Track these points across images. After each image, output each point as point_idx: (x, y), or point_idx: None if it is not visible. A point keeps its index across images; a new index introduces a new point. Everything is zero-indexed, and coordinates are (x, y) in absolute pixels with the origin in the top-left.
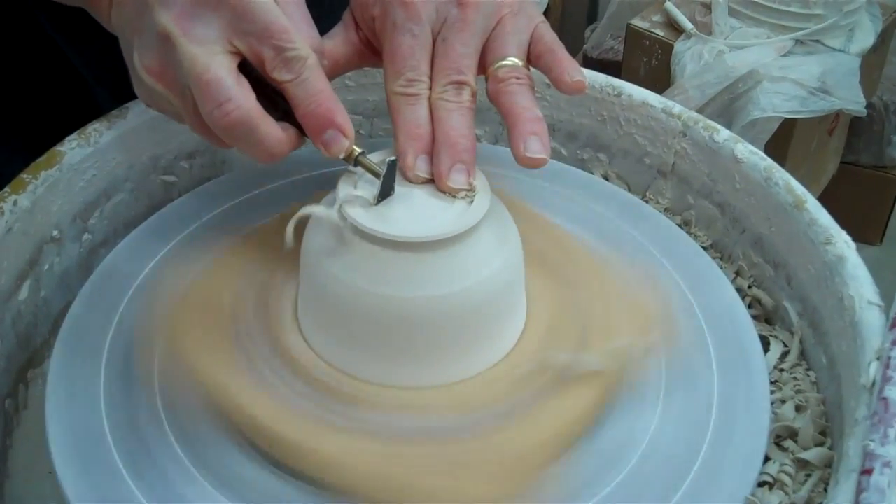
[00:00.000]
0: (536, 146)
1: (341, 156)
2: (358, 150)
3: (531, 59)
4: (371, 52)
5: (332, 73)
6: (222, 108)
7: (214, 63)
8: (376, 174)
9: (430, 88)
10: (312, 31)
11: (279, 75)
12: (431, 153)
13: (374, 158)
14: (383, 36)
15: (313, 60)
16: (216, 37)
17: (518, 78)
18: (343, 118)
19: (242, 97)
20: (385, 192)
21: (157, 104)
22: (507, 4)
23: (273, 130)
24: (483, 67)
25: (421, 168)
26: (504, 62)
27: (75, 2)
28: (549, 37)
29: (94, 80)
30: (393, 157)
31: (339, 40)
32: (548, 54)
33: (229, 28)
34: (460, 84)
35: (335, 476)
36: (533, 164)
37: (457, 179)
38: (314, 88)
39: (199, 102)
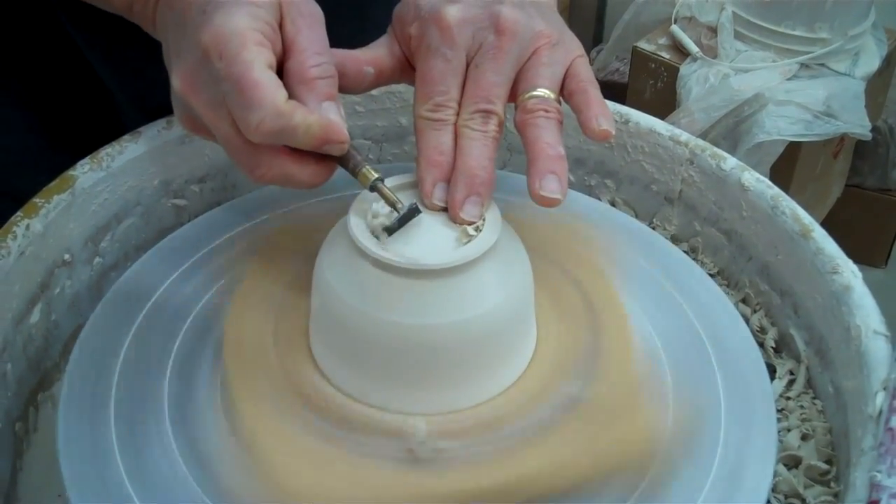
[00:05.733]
0: (553, 185)
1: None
2: (374, 174)
3: (564, 94)
4: (410, 69)
5: (377, 83)
6: (255, 173)
7: (230, 128)
8: (392, 204)
9: (458, 114)
10: (324, 55)
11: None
12: (450, 180)
13: (392, 183)
14: (417, 56)
15: (284, 119)
16: (220, 100)
17: (546, 111)
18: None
19: (269, 156)
20: (394, 229)
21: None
22: (544, 35)
23: (308, 170)
24: (514, 96)
25: (438, 196)
26: (535, 93)
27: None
28: (585, 74)
29: (125, 97)
30: (414, 202)
31: (384, 51)
32: (580, 94)
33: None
34: (488, 113)
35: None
36: (546, 203)
37: (470, 212)
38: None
39: (235, 163)
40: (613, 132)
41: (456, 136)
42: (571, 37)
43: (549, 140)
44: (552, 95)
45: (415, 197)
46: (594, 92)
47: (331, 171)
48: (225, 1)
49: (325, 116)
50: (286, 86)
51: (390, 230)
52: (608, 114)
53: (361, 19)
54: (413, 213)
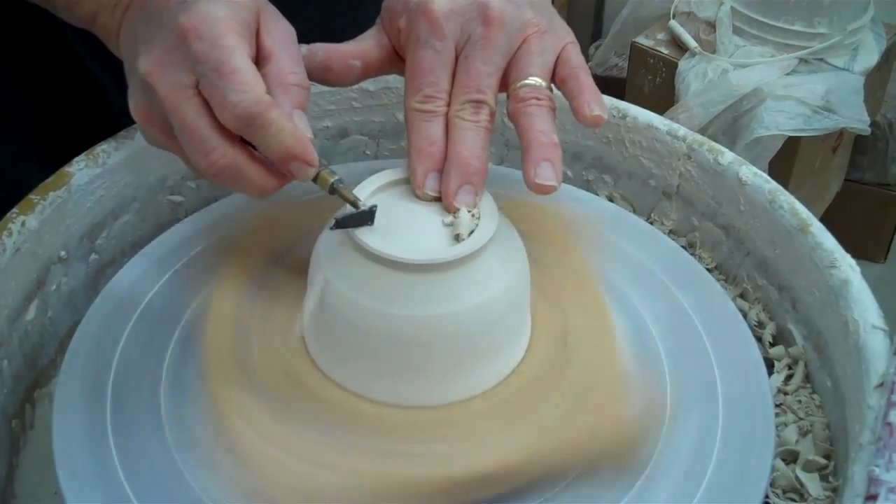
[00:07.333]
0: (547, 173)
1: (310, 180)
2: (334, 176)
3: (555, 81)
4: (400, 60)
5: (365, 75)
6: (209, 157)
7: (191, 110)
8: (352, 203)
9: (449, 105)
10: (301, 67)
11: (225, 121)
12: (442, 170)
13: (384, 179)
14: (407, 49)
15: (262, 106)
16: (188, 82)
17: (538, 99)
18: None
19: (227, 144)
20: (346, 224)
21: (155, 144)
22: (533, 24)
23: (260, 172)
24: (505, 86)
25: (430, 186)
26: (526, 81)
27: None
28: (576, 60)
29: (117, 93)
30: (375, 205)
31: (373, 44)
32: (572, 80)
33: (193, 71)
34: (479, 103)
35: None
36: (542, 191)
37: (464, 199)
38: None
39: (186, 150)
40: (606, 117)
41: (448, 128)
42: (561, 24)
43: (542, 128)
44: (543, 83)
45: (403, 193)
46: (585, 78)
47: (282, 179)
48: None
49: (301, 131)
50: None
51: (339, 224)
52: (600, 99)
53: (355, 11)
54: (367, 216)
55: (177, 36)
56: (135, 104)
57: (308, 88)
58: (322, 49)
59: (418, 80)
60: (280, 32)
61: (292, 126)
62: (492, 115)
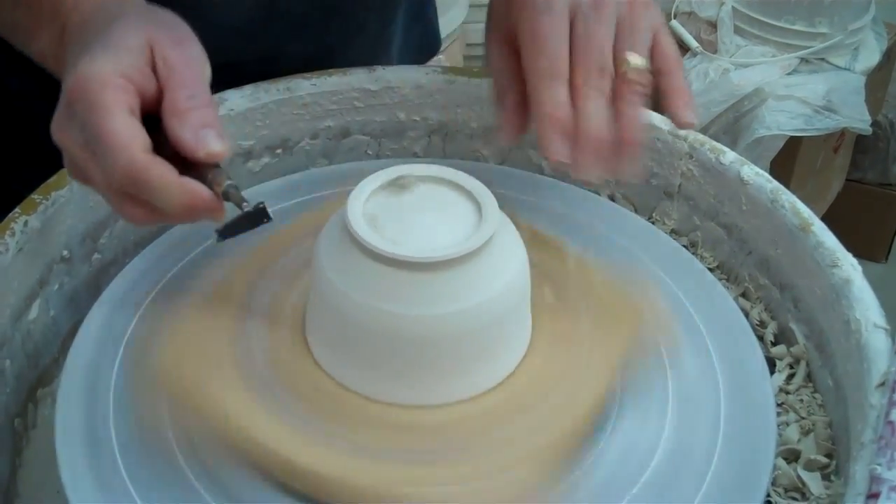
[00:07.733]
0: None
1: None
2: (227, 181)
3: (651, 66)
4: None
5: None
6: (122, 212)
7: (94, 170)
8: (238, 204)
9: (572, 71)
10: (198, 89)
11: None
12: (571, 135)
13: (377, 181)
14: (520, 24)
15: (139, 166)
16: (83, 142)
17: (642, 85)
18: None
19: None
20: (230, 231)
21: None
22: None
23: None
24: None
25: (561, 152)
26: (632, 64)
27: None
28: (670, 50)
29: None
30: (261, 204)
31: (497, 59)
32: (666, 76)
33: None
34: (602, 70)
35: (343, 498)
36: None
37: (594, 171)
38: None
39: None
40: (697, 122)
41: (572, 95)
42: (656, 4)
43: (636, 114)
44: (646, 65)
45: (404, 192)
46: (678, 74)
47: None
48: (93, 48)
49: (187, 184)
50: (163, 124)
51: (224, 233)
52: (692, 102)
53: (354, 35)
54: (258, 216)
55: (66, 100)
56: (64, 160)
57: (210, 107)
58: (508, 94)
59: (540, 43)
60: (172, 59)
61: (178, 182)
62: (612, 79)
